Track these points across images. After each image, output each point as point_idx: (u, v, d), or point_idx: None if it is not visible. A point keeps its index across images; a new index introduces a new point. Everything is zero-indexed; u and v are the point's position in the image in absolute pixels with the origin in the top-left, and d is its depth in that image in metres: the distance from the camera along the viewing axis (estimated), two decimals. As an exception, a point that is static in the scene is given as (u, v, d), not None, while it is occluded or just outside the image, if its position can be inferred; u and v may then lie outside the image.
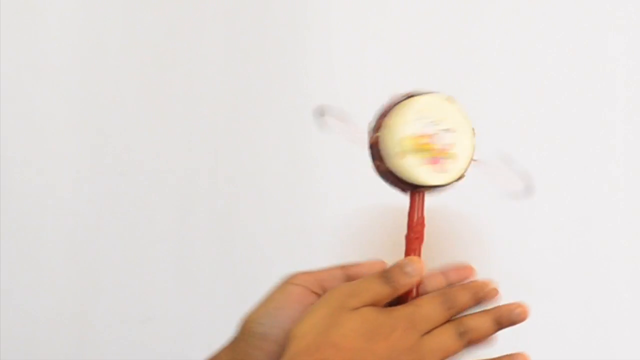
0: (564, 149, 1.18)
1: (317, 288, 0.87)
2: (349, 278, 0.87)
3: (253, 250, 1.24)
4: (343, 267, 0.89)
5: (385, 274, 0.82)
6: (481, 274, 0.87)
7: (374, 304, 0.81)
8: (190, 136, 1.24)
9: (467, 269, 0.86)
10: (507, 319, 0.81)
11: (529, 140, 1.18)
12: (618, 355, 1.17)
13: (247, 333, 0.86)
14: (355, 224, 1.21)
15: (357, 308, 0.80)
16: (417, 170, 0.84)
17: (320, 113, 0.90)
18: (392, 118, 0.85)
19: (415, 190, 0.86)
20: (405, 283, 0.81)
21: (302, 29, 1.22)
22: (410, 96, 0.86)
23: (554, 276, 1.18)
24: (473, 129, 0.86)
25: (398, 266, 0.82)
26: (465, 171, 0.85)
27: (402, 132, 0.84)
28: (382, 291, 0.81)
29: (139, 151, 1.25)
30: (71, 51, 1.26)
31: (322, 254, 1.21)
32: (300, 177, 1.22)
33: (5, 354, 1.25)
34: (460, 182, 0.86)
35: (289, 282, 0.88)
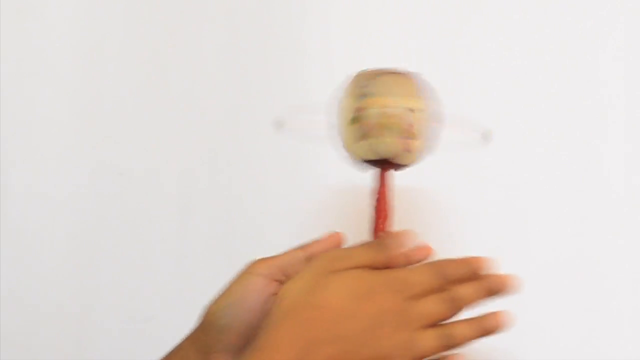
0: (562, 147, 1.18)
1: (279, 275, 0.87)
2: (311, 258, 0.87)
3: (253, 250, 1.24)
4: (303, 248, 0.89)
5: (373, 242, 0.82)
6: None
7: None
8: (190, 136, 1.24)
9: (426, 249, 0.85)
10: (496, 288, 0.81)
11: (526, 138, 1.19)
12: (617, 355, 1.18)
13: (208, 325, 0.86)
14: (355, 223, 1.21)
15: (344, 270, 0.80)
16: (352, 143, 0.85)
17: (279, 125, 0.91)
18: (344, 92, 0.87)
19: (381, 167, 0.87)
20: (392, 251, 0.81)
21: (302, 28, 1.22)
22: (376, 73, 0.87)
23: (550, 276, 1.18)
24: (439, 113, 0.87)
25: (386, 236, 0.83)
26: (423, 152, 0.86)
27: (344, 104, 0.85)
28: (370, 257, 0.81)
29: (139, 151, 1.25)
30: (71, 51, 1.26)
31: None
32: (301, 176, 1.23)
33: (5, 354, 1.25)
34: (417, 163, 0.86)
35: (249, 272, 0.87)
